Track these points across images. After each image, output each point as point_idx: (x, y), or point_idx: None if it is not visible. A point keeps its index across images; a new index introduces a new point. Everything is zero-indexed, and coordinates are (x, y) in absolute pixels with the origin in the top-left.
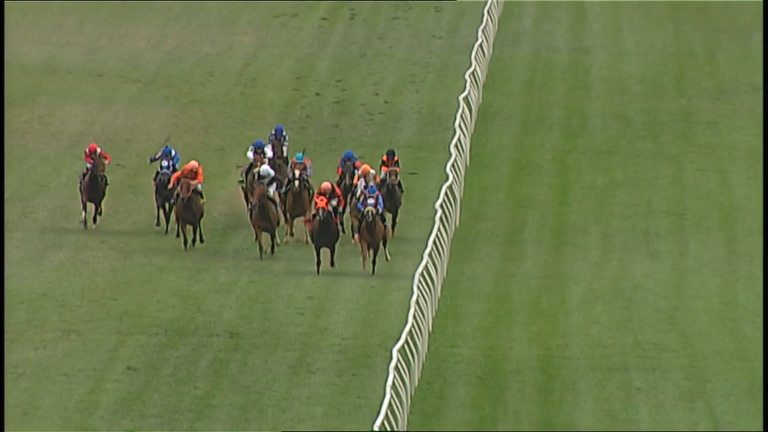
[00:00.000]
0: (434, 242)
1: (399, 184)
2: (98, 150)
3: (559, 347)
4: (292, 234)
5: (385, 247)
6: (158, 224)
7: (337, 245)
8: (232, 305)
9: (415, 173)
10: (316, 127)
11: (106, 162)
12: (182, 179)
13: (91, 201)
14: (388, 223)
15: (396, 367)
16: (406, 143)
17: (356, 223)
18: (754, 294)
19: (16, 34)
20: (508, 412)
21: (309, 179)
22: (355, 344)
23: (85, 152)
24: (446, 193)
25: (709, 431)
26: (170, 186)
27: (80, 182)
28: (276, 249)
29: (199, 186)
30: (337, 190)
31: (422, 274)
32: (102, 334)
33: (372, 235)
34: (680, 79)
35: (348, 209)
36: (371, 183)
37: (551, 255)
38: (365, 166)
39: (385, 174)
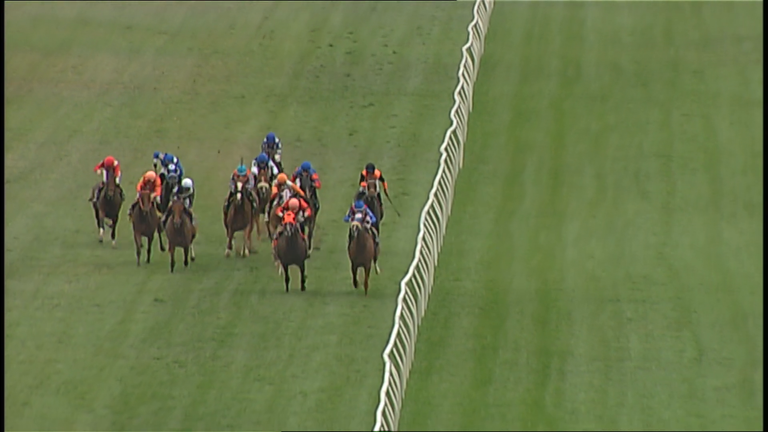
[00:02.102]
0: (439, 183)
1: (378, 196)
2: (115, 162)
3: (556, 280)
4: (230, 247)
5: (375, 262)
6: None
7: (306, 263)
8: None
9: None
10: (330, 76)
11: (117, 179)
12: (142, 192)
13: (109, 216)
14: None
15: (404, 299)
16: (413, 91)
17: (273, 230)
18: (737, 231)
19: None
20: (508, 341)
21: (251, 192)
22: None
23: (100, 163)
24: (450, 138)
25: (694, 358)
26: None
27: (95, 197)
28: (190, 263)
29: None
30: (304, 203)
31: (428, 213)
32: (131, 268)
33: (359, 252)
34: (668, 31)
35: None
36: (286, 191)
37: (548, 194)
38: (281, 175)
39: (364, 187)
